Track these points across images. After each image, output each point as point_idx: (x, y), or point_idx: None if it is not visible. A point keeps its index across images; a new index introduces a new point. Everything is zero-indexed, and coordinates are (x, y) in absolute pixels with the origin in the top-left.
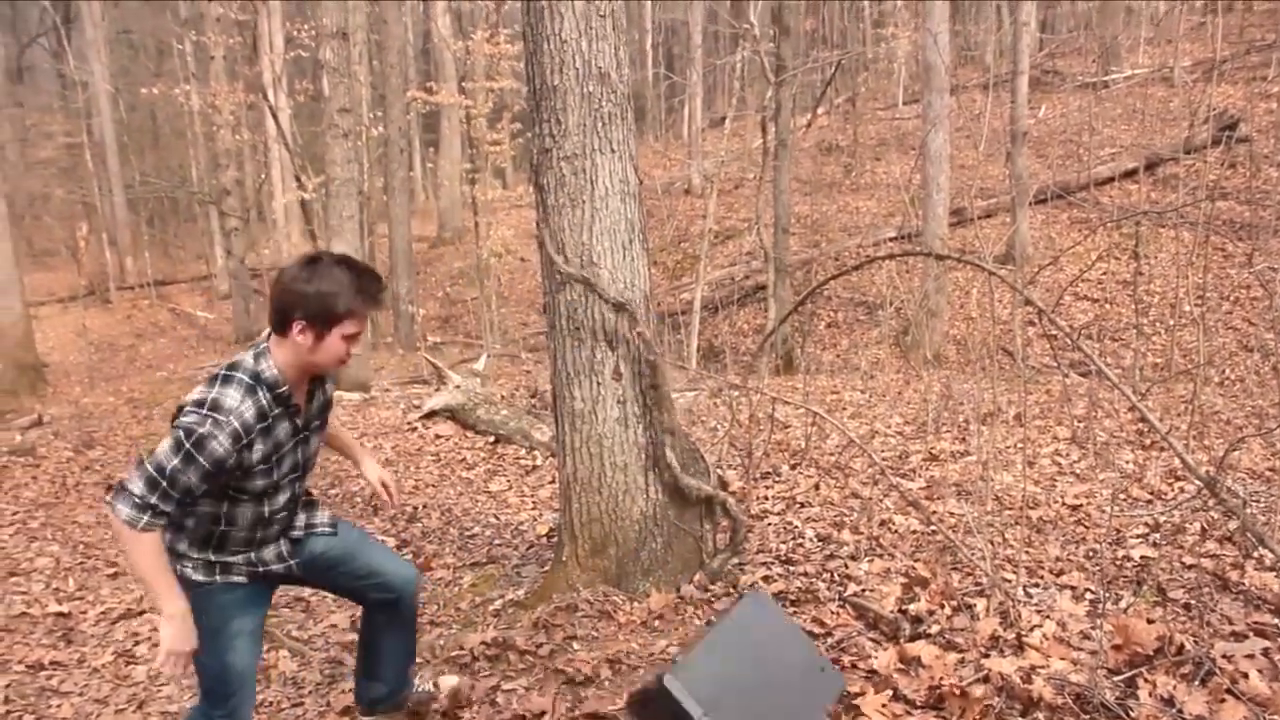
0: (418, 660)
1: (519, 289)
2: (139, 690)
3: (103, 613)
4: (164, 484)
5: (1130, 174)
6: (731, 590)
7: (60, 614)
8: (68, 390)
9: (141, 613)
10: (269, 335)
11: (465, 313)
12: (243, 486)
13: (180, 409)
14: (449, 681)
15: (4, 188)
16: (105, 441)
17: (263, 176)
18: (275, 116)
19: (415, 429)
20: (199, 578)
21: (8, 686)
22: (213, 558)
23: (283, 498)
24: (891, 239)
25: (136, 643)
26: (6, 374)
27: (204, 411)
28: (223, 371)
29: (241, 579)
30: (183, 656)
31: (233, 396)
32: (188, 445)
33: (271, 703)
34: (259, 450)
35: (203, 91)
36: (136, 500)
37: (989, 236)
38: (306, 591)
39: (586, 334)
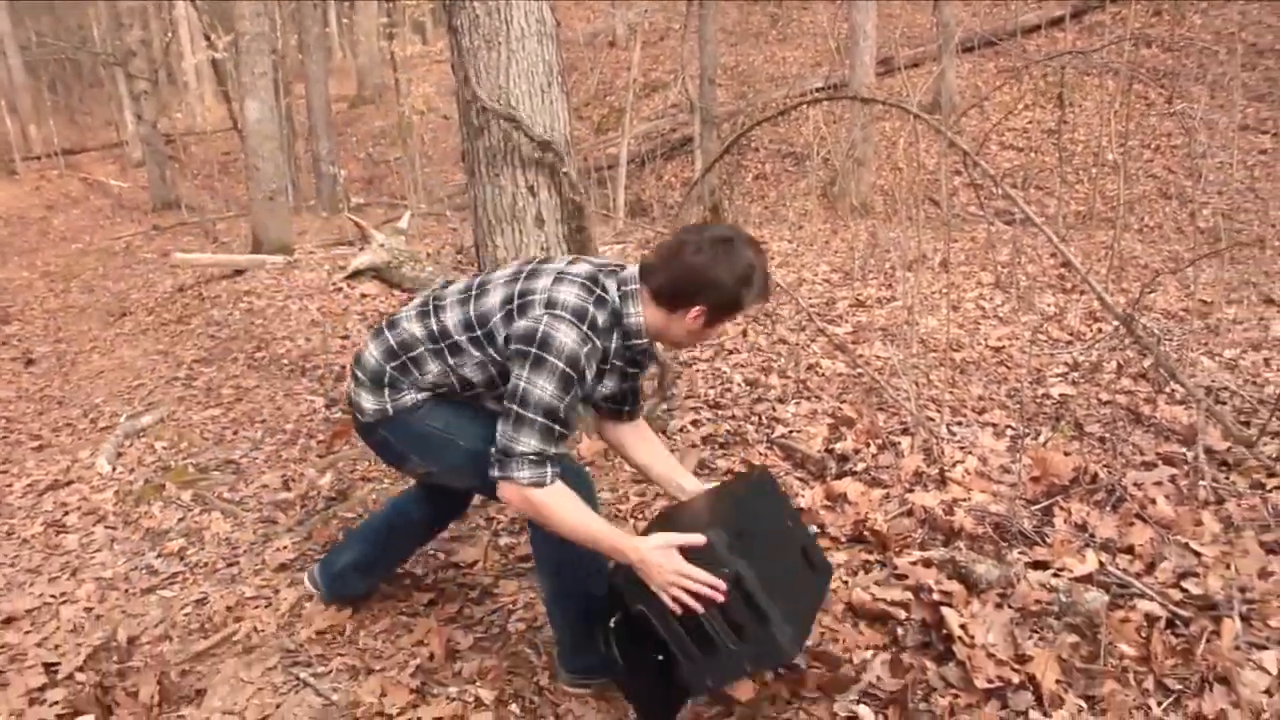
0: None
1: (442, 147)
2: (71, 558)
3: (29, 485)
4: (558, 427)
5: (1057, 21)
6: (661, 435)
7: None
8: None
9: (69, 483)
10: (636, 284)
11: (389, 173)
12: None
13: (524, 306)
14: None
15: None
16: (21, 316)
17: (169, 35)
18: None
19: (340, 289)
20: (422, 396)
21: None
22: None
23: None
24: (819, 89)
25: (66, 512)
26: None
27: (584, 332)
28: (599, 278)
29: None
30: (683, 578)
31: (577, 297)
32: (554, 359)
33: (206, 563)
34: (589, 384)
35: None
36: (533, 459)
37: (916, 85)
38: (236, 454)
39: (507, 180)
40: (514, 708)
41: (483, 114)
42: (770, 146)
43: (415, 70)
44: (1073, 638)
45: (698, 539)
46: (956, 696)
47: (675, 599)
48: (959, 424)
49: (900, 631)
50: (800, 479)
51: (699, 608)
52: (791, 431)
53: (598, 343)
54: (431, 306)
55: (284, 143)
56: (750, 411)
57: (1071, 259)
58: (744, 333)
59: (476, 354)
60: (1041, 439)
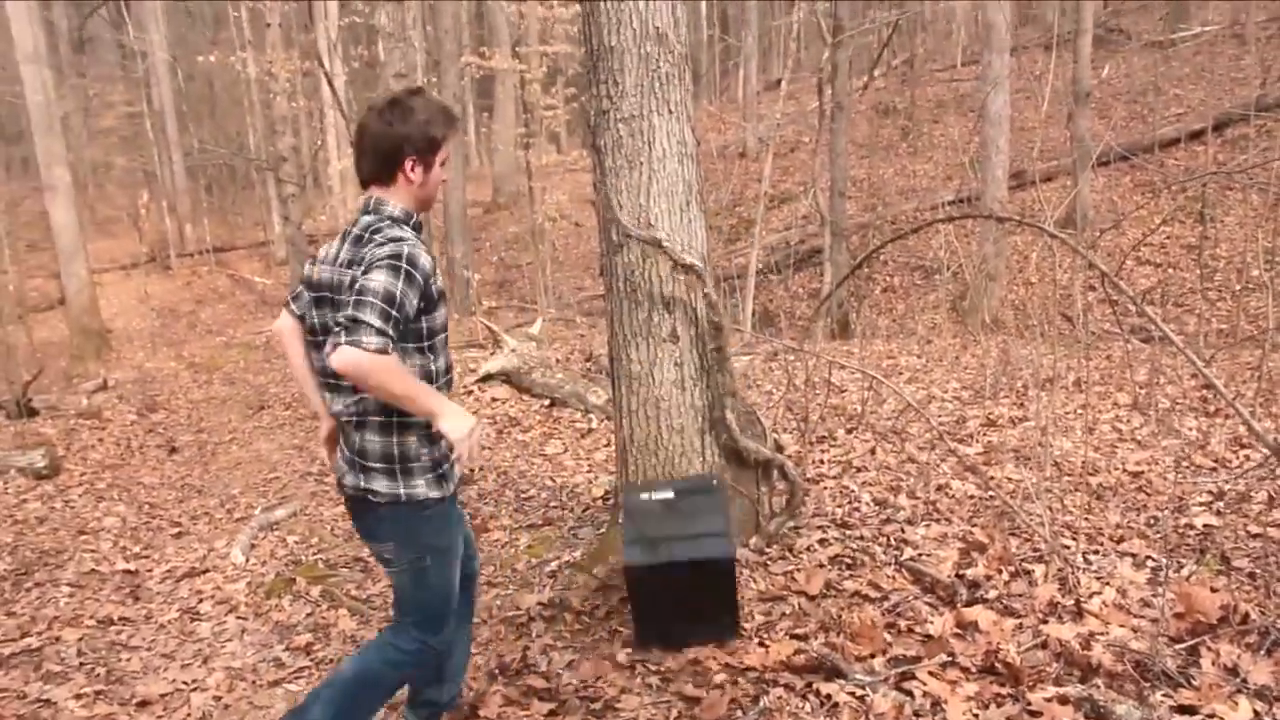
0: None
1: (573, 254)
2: (204, 646)
3: (168, 571)
4: (394, 312)
5: (1198, 135)
6: (788, 554)
7: (128, 571)
8: (131, 355)
9: (205, 571)
10: (370, 192)
11: (520, 278)
12: (434, 325)
13: (353, 262)
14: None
15: (68, 157)
16: (167, 405)
17: (319, 143)
18: (331, 82)
19: (471, 393)
20: (434, 493)
21: (80, 639)
22: (438, 453)
23: (443, 360)
24: (949, 203)
25: (200, 600)
26: (73, 339)
27: (398, 235)
28: (369, 227)
29: (450, 490)
30: (475, 432)
31: (404, 230)
32: (404, 265)
33: (331, 660)
34: (434, 281)
35: (259, 58)
36: (376, 329)
37: (1049, 200)
38: (365, 552)
39: (644, 296)
40: None
41: (622, 232)
42: (899, 260)
43: (549, 178)
44: None
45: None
46: None
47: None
48: (1095, 553)
49: None
50: (929, 604)
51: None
52: (921, 554)
53: (419, 244)
54: (319, 342)
55: None
56: (879, 532)
57: (1214, 381)
58: (872, 451)
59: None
60: (1185, 572)
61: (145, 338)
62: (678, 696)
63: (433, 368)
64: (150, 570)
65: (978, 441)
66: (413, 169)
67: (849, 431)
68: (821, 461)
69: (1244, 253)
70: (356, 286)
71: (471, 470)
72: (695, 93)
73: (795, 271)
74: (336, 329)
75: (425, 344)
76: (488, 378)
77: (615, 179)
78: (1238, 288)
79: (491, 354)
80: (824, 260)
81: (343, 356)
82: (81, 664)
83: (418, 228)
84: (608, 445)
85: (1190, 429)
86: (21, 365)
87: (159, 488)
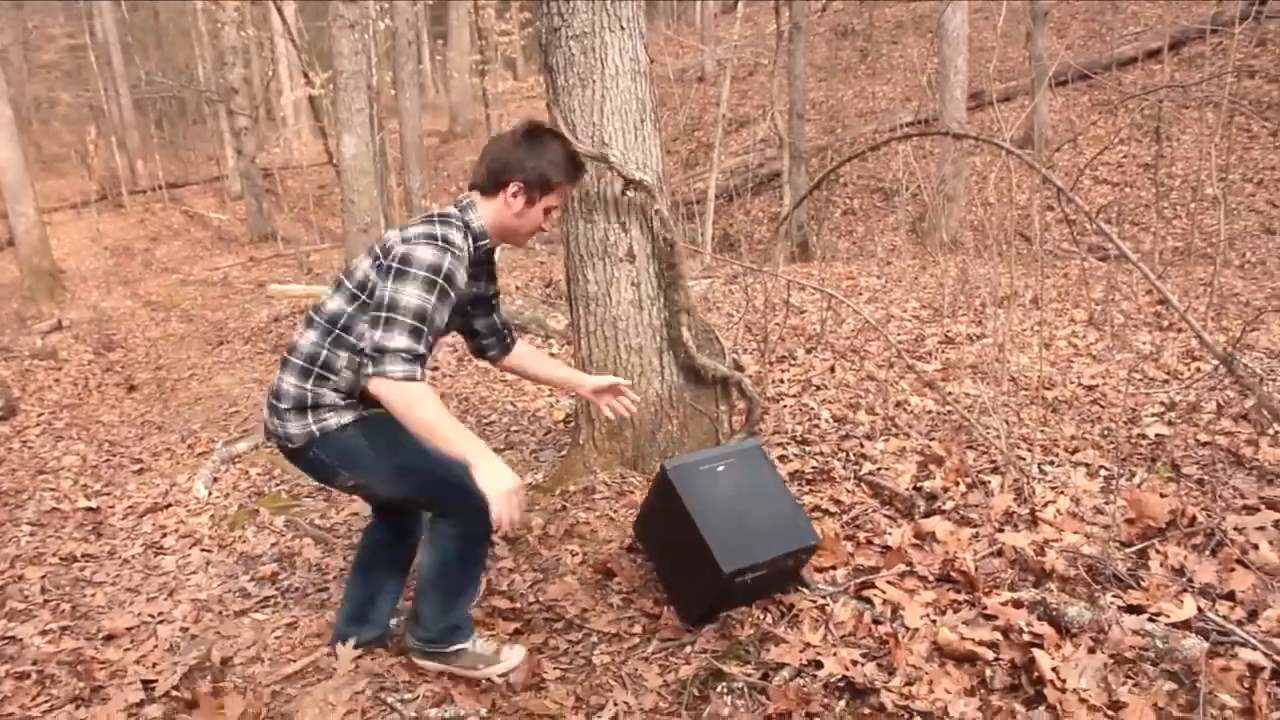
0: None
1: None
2: (169, 579)
3: (130, 507)
4: (425, 329)
5: (1155, 53)
6: None
7: (89, 509)
8: (85, 295)
9: (167, 506)
10: (470, 194)
11: None
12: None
13: (386, 251)
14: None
15: (8, 92)
16: (124, 344)
17: (270, 73)
18: (280, 11)
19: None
20: (348, 418)
21: (43, 577)
22: (355, 402)
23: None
24: (908, 124)
25: (164, 534)
26: (24, 280)
27: (440, 245)
28: (436, 215)
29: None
30: (516, 493)
31: (456, 235)
32: (440, 281)
33: (297, 588)
34: (463, 295)
35: None
36: (405, 355)
37: (1007, 120)
38: None
39: (599, 215)
40: None
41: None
42: (859, 182)
43: (506, 106)
44: (1170, 685)
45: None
46: None
47: (503, 497)
48: (1051, 463)
49: (989, 673)
50: (888, 516)
51: (516, 510)
52: (879, 468)
53: (457, 249)
54: (311, 314)
55: (378, 176)
56: (838, 448)
57: (1168, 295)
58: (831, 369)
59: (366, 319)
60: (1137, 480)
61: (99, 277)
62: (641, 613)
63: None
64: (112, 507)
65: (936, 359)
66: (514, 195)
67: (808, 351)
68: (781, 380)
69: (1199, 170)
70: (384, 295)
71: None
72: (651, 16)
73: (754, 196)
74: (362, 353)
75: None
76: None
77: (568, 98)
78: (1192, 205)
79: None
80: (783, 183)
81: (375, 389)
82: (46, 601)
83: (483, 250)
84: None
85: (1144, 343)
86: None
87: (118, 425)
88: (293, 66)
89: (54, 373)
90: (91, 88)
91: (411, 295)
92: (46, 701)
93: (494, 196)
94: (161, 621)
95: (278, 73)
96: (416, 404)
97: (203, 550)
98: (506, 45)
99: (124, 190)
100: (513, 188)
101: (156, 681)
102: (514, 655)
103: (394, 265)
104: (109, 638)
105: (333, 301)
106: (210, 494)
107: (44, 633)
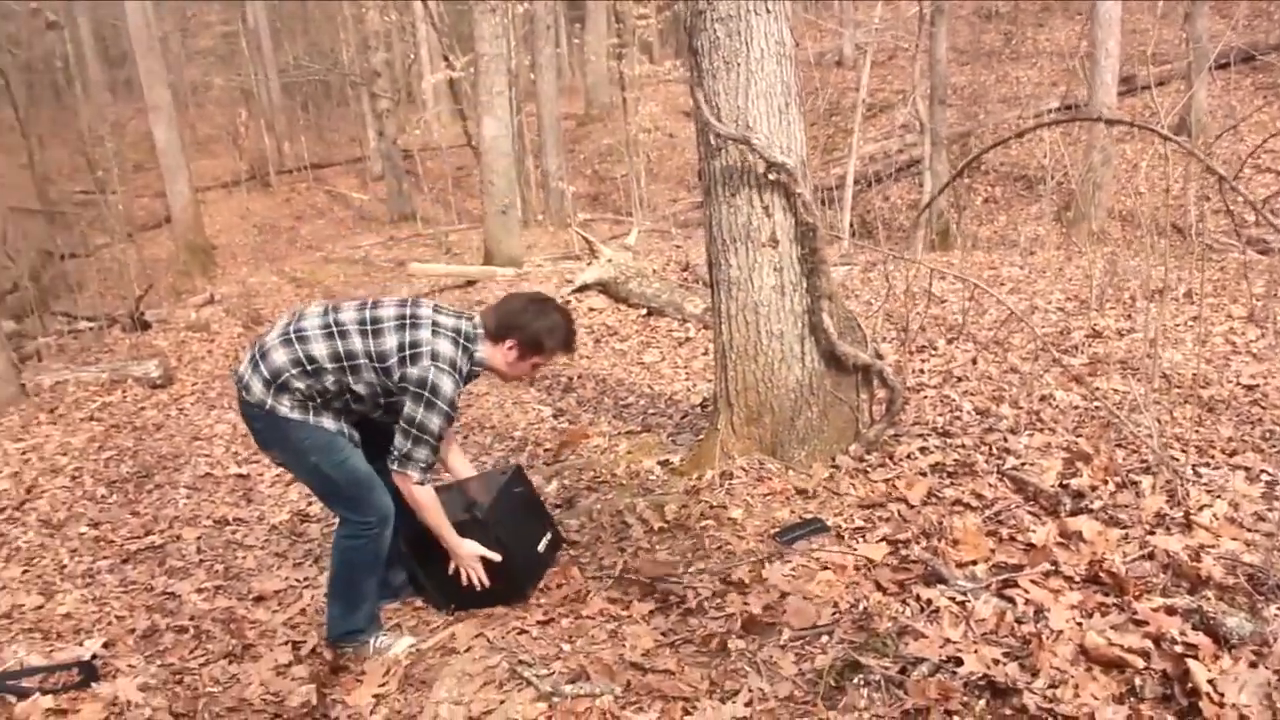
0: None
1: (667, 165)
2: (313, 546)
3: (277, 475)
4: (435, 443)
5: None
6: (888, 461)
7: (240, 475)
8: (235, 270)
9: None
10: (482, 325)
11: (614, 189)
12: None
13: (415, 358)
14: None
15: (168, 78)
16: (271, 318)
17: (411, 57)
18: None
19: (568, 302)
20: (295, 415)
21: (199, 538)
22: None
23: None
24: (1054, 109)
25: (310, 503)
26: (180, 255)
27: (455, 377)
28: (462, 338)
29: (330, 426)
30: (475, 559)
31: (465, 363)
32: (440, 402)
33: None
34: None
35: None
36: (423, 465)
37: (1162, 105)
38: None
39: (743, 200)
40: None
41: (720, 135)
42: (1001, 169)
43: (642, 89)
44: None
45: (495, 556)
46: None
47: (470, 571)
48: (1206, 465)
49: (1138, 682)
50: (1032, 513)
51: (481, 575)
52: (1024, 464)
53: (462, 379)
54: (335, 331)
55: (516, 159)
56: (980, 441)
57: None
58: (974, 360)
59: (372, 378)
60: None
61: (247, 253)
62: (779, 593)
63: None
64: (260, 474)
65: (1083, 353)
66: (510, 348)
67: (949, 341)
68: (922, 371)
69: None
70: (414, 416)
71: (570, 379)
72: None
73: (893, 182)
74: (392, 452)
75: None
76: (584, 288)
77: (712, 81)
78: None
79: (588, 264)
80: (923, 170)
81: (398, 481)
82: (201, 560)
83: (474, 375)
84: (705, 354)
85: None
86: (134, 281)
87: None
88: (434, 50)
89: (207, 344)
90: (243, 72)
91: (434, 422)
92: (203, 655)
93: (497, 343)
94: (307, 586)
95: (419, 56)
96: (426, 507)
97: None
98: (644, 29)
99: (271, 170)
100: (510, 342)
101: (304, 642)
102: (399, 645)
103: (425, 394)
104: (259, 599)
105: (355, 342)
106: None
107: (200, 590)
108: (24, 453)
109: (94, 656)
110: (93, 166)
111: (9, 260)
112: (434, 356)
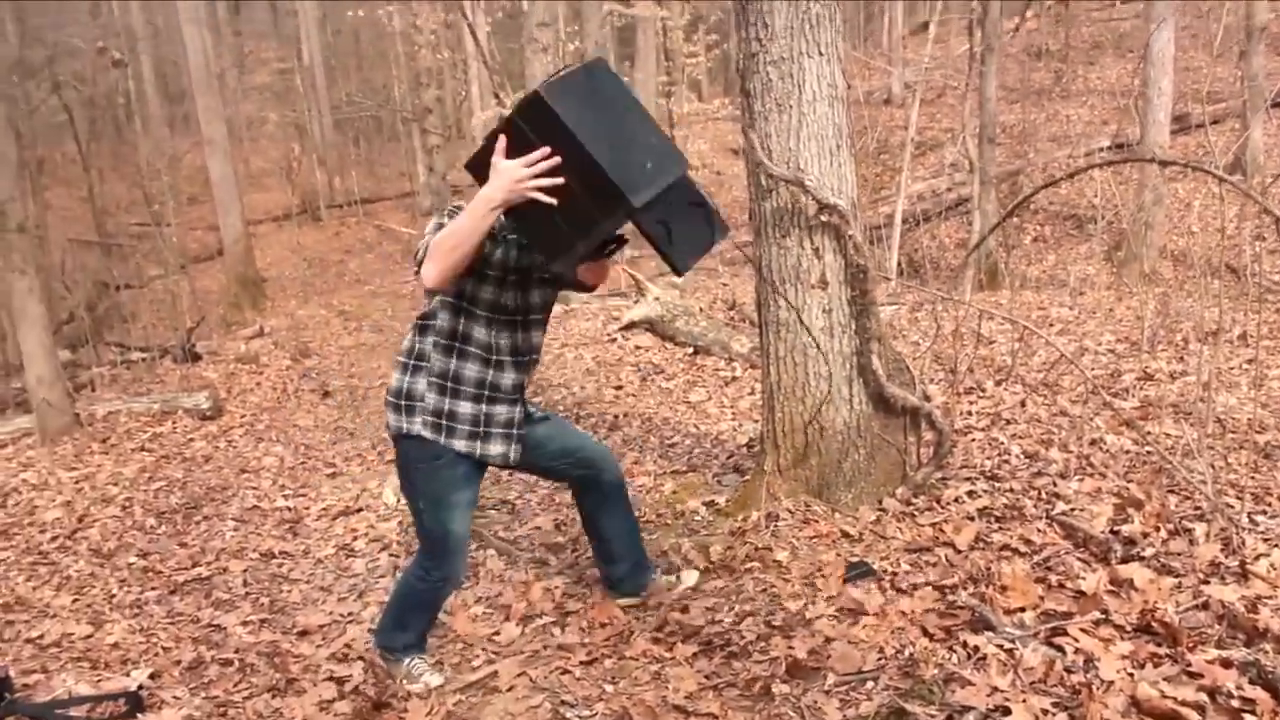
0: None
1: (716, 202)
2: (358, 581)
3: (323, 509)
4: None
5: None
6: (935, 505)
7: (287, 508)
8: (284, 304)
9: (358, 510)
10: None
11: None
12: (478, 295)
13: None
14: (691, 576)
15: (225, 113)
16: (319, 351)
17: (463, 94)
18: (474, 34)
19: (615, 340)
20: (429, 435)
21: (245, 571)
22: (446, 405)
23: (507, 339)
24: (1105, 149)
25: (355, 538)
26: (230, 288)
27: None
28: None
29: (463, 447)
30: (528, 172)
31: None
32: (446, 219)
33: (481, 598)
34: (503, 253)
35: (404, 12)
36: (430, 231)
37: (1216, 145)
38: (512, 495)
39: (793, 241)
40: None
41: (771, 176)
42: (1050, 209)
43: (691, 127)
44: None
45: (538, 154)
46: None
47: (537, 189)
48: (1263, 513)
49: None
50: (1082, 560)
51: (555, 181)
52: (1073, 509)
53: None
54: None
55: None
56: (1029, 485)
57: None
58: (1022, 403)
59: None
60: None
61: (297, 286)
62: (823, 638)
63: (493, 344)
64: (307, 508)
65: (1134, 396)
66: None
67: (998, 383)
68: (969, 413)
69: None
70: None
71: (616, 417)
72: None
73: (941, 221)
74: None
75: (482, 311)
76: (631, 325)
77: (764, 123)
78: None
79: (635, 302)
80: (972, 209)
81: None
82: (247, 593)
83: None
84: (752, 393)
85: None
86: (185, 313)
87: (313, 430)
88: (484, 87)
89: (256, 376)
90: (297, 108)
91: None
92: (247, 689)
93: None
94: (351, 621)
95: (470, 93)
96: (447, 239)
97: (390, 555)
98: (693, 67)
99: (322, 204)
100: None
101: (349, 678)
102: (433, 679)
103: (439, 219)
104: (303, 633)
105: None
106: (399, 501)
107: (245, 623)
108: (77, 482)
109: (140, 687)
110: (149, 200)
111: (66, 291)
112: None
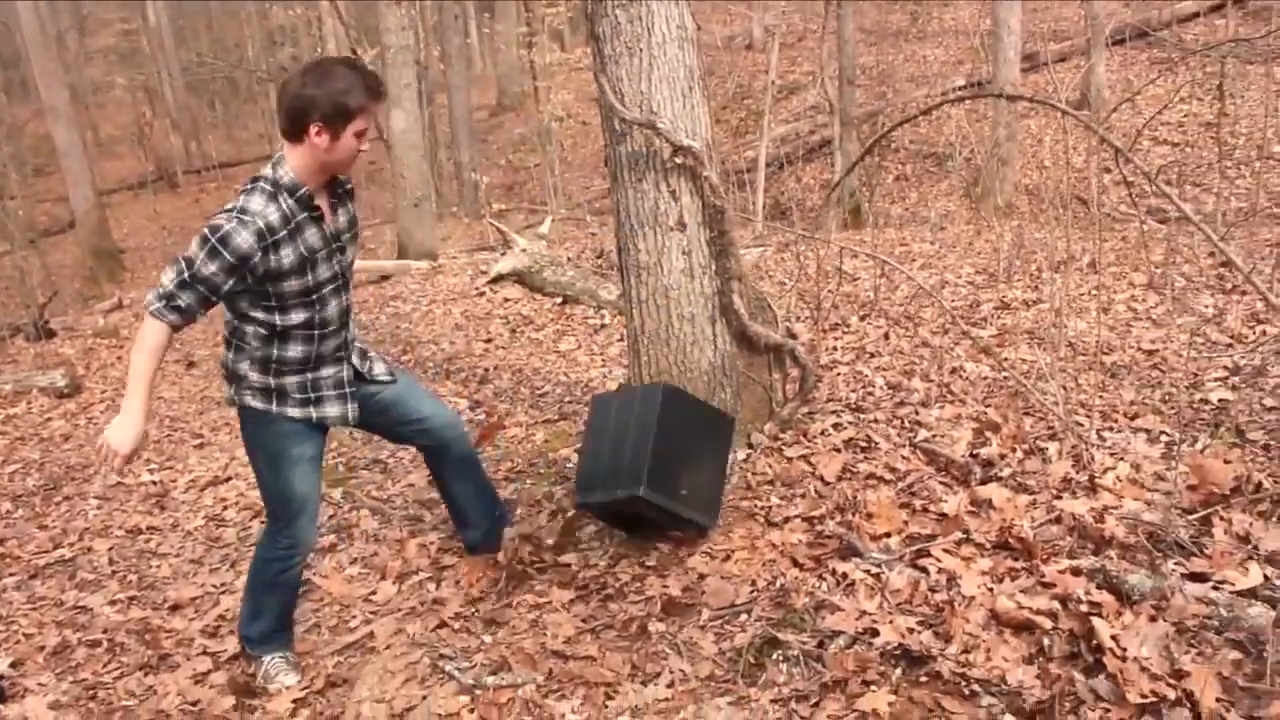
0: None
1: (581, 153)
2: (230, 551)
3: (191, 481)
4: (187, 275)
5: (1218, 8)
6: (802, 439)
7: (153, 483)
8: (144, 275)
9: (228, 479)
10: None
11: (528, 179)
12: (283, 291)
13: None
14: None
15: (66, 77)
16: None
17: (318, 51)
18: None
19: (483, 293)
20: (257, 404)
21: (110, 549)
22: (272, 383)
23: (331, 309)
24: (960, 87)
25: (225, 507)
26: (85, 261)
27: (231, 213)
28: (247, 185)
29: (297, 414)
30: (115, 454)
31: (257, 202)
32: (213, 240)
33: (356, 558)
34: (288, 254)
35: None
36: (161, 290)
37: (1063, 81)
38: (384, 454)
39: (649, 184)
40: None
41: (624, 120)
42: (911, 147)
43: (554, 78)
44: (1235, 654)
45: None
46: (1107, 710)
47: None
48: (1110, 430)
49: (1047, 642)
50: (944, 484)
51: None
52: (935, 435)
53: (248, 215)
54: None
55: (427, 151)
56: (892, 415)
57: (1232, 257)
58: (885, 336)
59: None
60: (1199, 446)
61: (158, 256)
62: (697, 575)
63: (316, 320)
64: (174, 481)
65: (991, 325)
66: (318, 134)
67: (862, 318)
68: (835, 348)
69: (1264, 128)
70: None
71: (487, 370)
72: None
73: (805, 163)
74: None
75: (278, 304)
76: (499, 278)
77: (615, 67)
78: (1257, 164)
79: (502, 255)
80: (834, 150)
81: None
82: (114, 572)
83: (302, 199)
84: (621, 340)
85: (1206, 306)
86: (37, 288)
87: (179, 401)
88: (341, 43)
89: (116, 350)
90: (145, 70)
91: (192, 250)
92: (118, 668)
93: (300, 142)
94: (224, 591)
95: (326, 51)
96: (139, 334)
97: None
98: (553, 17)
99: (179, 170)
100: (314, 128)
101: (223, 651)
102: (289, 679)
103: (205, 232)
104: (174, 607)
105: None
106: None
107: (113, 602)
108: None
109: (1, 677)
110: None
111: None
112: (229, 209)
